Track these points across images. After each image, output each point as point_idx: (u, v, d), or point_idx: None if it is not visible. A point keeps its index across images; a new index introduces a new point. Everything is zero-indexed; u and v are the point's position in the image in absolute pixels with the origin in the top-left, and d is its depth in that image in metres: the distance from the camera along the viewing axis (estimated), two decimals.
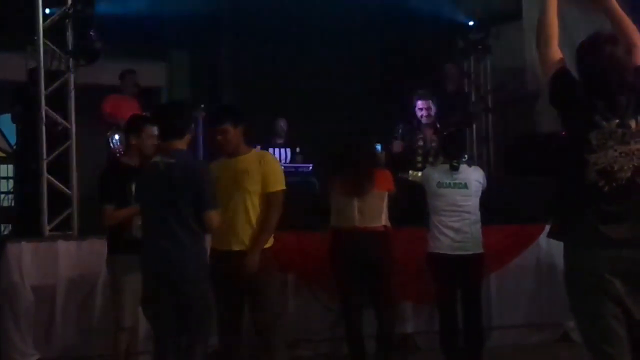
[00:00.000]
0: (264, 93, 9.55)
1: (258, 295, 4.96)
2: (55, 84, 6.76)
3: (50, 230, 6.60)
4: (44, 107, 6.67)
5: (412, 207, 6.51)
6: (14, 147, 7.81)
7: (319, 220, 6.73)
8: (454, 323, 5.94)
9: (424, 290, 6.22)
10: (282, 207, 5.00)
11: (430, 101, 7.56)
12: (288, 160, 8.59)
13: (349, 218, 5.73)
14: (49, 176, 6.65)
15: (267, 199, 4.96)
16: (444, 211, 5.89)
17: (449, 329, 5.95)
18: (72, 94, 6.79)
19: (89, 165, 6.98)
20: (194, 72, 10.72)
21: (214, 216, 4.56)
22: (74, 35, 6.80)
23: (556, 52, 3.45)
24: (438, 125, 7.64)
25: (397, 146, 7.49)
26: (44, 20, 6.70)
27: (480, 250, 5.93)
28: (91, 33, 6.79)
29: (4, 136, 10.47)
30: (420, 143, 7.51)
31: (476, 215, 5.94)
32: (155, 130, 5.12)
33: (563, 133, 3.52)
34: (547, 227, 3.59)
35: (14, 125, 7.78)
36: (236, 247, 4.96)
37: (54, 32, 6.78)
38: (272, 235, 5.02)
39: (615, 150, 3.28)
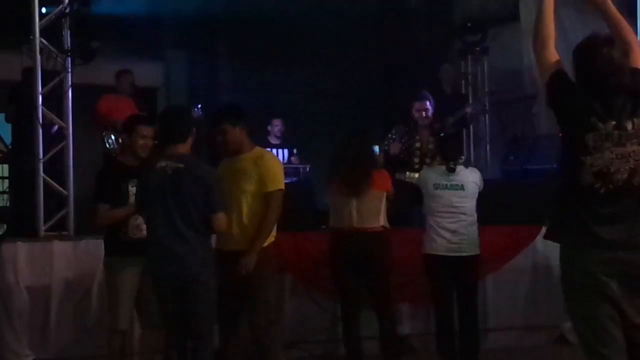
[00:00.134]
0: (260, 93, 9.55)
1: (253, 298, 4.96)
2: (52, 84, 6.75)
3: (45, 231, 6.59)
4: (40, 107, 6.65)
5: (409, 208, 6.51)
6: (9, 147, 7.78)
7: (315, 221, 6.74)
8: (450, 325, 5.94)
9: (420, 292, 6.21)
10: (280, 207, 4.99)
11: (427, 102, 7.56)
12: (284, 161, 8.59)
13: (347, 218, 5.73)
14: (45, 176, 6.63)
15: (265, 199, 4.95)
16: (440, 212, 5.89)
17: (445, 330, 5.94)
18: (69, 93, 6.78)
19: (85, 166, 6.97)
20: (190, 73, 10.71)
21: (222, 218, 4.69)
22: (71, 35, 6.79)
23: (553, 54, 3.44)
24: (435, 127, 7.63)
25: (394, 147, 7.49)
26: (40, 20, 6.69)
27: (477, 252, 5.93)
28: (88, 33, 6.77)
29: None
30: (417, 144, 7.51)
31: (473, 216, 5.94)
32: (148, 131, 5.17)
33: (560, 135, 3.52)
34: (544, 229, 3.59)
35: (9, 125, 7.76)
36: (232, 247, 4.99)
37: (51, 31, 6.76)
38: (271, 234, 5.01)
39: (612, 152, 3.28)
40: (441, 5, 10.34)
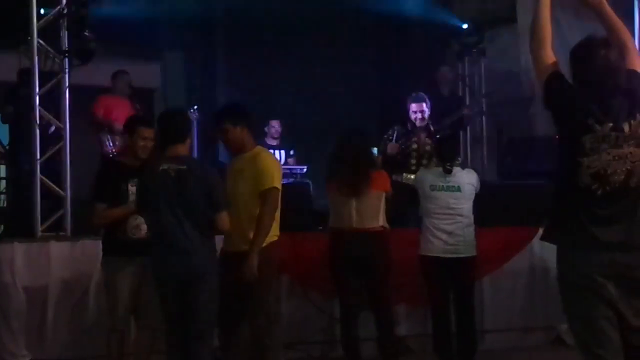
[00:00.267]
0: (257, 94, 9.55)
1: (254, 298, 4.95)
2: (49, 84, 6.75)
3: (42, 231, 6.58)
4: (37, 108, 6.65)
5: (405, 209, 6.51)
6: (6, 147, 7.78)
7: (312, 222, 6.75)
8: (447, 326, 5.94)
9: (417, 293, 6.21)
10: (275, 206, 4.96)
11: (424, 104, 7.57)
12: (282, 162, 8.58)
13: (346, 219, 5.74)
14: (42, 177, 6.63)
15: (260, 197, 4.94)
16: (437, 214, 5.89)
17: (442, 331, 5.94)
18: (67, 94, 6.77)
19: (82, 166, 6.96)
20: (188, 73, 10.70)
21: (224, 217, 4.76)
22: (68, 36, 6.79)
23: (550, 55, 3.45)
24: (432, 129, 7.64)
25: (391, 148, 7.50)
26: (38, 20, 6.68)
27: (473, 253, 5.93)
28: (85, 33, 6.78)
29: None
30: (414, 146, 7.51)
31: (469, 218, 5.95)
32: (149, 132, 5.19)
33: (557, 136, 3.52)
34: (541, 230, 3.59)
35: (6, 125, 7.75)
36: (234, 248, 5.03)
37: (48, 32, 6.76)
38: (270, 233, 4.97)
39: (609, 154, 3.29)
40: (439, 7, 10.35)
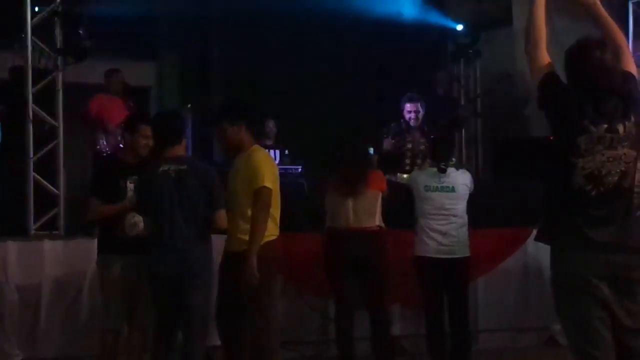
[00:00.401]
0: (253, 94, 9.54)
1: (250, 300, 4.93)
2: (43, 82, 6.73)
3: (36, 230, 6.57)
4: (31, 106, 6.63)
5: (400, 209, 6.50)
6: None
7: (307, 222, 6.73)
8: (440, 326, 5.94)
9: (411, 293, 6.22)
10: (266, 205, 4.90)
11: (419, 104, 7.57)
12: (277, 162, 8.56)
13: (343, 218, 5.75)
14: (36, 175, 6.61)
15: (253, 197, 4.92)
16: (431, 215, 5.89)
17: (436, 332, 5.95)
18: (60, 92, 6.75)
19: (76, 165, 6.95)
20: (183, 72, 10.69)
21: (222, 215, 4.82)
22: (63, 33, 6.77)
23: (544, 56, 3.45)
24: (426, 129, 7.64)
25: (387, 144, 7.49)
26: (32, 18, 6.67)
27: (467, 254, 5.93)
28: (80, 31, 6.76)
29: None
30: (409, 145, 7.51)
31: (463, 218, 5.95)
32: (150, 130, 5.19)
33: (551, 137, 3.52)
34: (535, 231, 3.59)
35: None
36: (232, 248, 5.04)
37: (42, 30, 6.74)
38: (269, 234, 4.94)
39: (603, 155, 3.29)
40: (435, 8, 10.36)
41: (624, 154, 3.30)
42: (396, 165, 7.39)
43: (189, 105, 8.17)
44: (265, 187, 4.89)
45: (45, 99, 6.80)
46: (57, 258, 6.20)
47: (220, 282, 5.15)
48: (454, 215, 5.90)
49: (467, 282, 6.08)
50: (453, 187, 5.92)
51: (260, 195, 4.89)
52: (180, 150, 4.89)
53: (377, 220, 5.81)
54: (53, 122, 6.77)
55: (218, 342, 6.12)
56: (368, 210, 5.76)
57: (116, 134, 7.72)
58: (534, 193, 6.42)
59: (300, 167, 8.60)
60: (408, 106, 7.58)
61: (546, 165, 3.55)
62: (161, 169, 4.80)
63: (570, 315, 3.39)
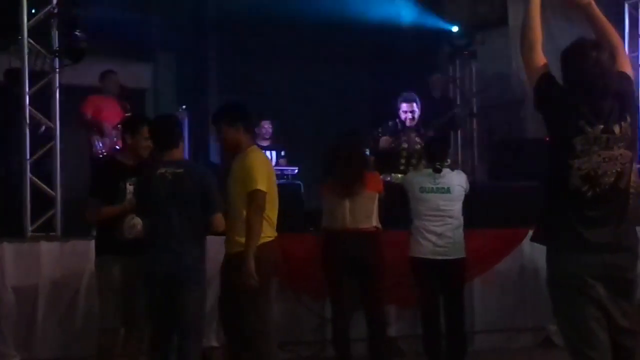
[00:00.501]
0: (249, 95, 9.54)
1: (245, 302, 4.93)
2: (40, 84, 6.73)
3: (32, 231, 6.56)
4: (27, 108, 6.63)
5: (392, 209, 6.52)
6: None
7: (303, 223, 6.74)
8: (436, 327, 5.95)
9: (407, 294, 6.22)
10: (259, 208, 4.87)
11: (415, 104, 7.57)
12: (273, 163, 8.57)
13: (340, 219, 5.76)
14: (32, 177, 6.61)
15: (247, 199, 4.92)
16: (426, 216, 5.89)
17: (432, 333, 5.95)
18: (57, 94, 6.75)
19: (73, 166, 6.94)
20: (179, 74, 10.69)
21: (219, 219, 4.87)
22: (59, 35, 6.77)
23: (540, 57, 3.45)
24: (422, 129, 7.65)
25: (384, 141, 7.48)
26: (28, 20, 6.66)
27: (463, 255, 5.93)
28: (76, 33, 6.75)
29: None
30: (404, 145, 7.51)
31: (459, 219, 5.95)
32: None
33: (547, 138, 3.53)
34: (531, 232, 3.60)
35: None
36: (228, 250, 5.05)
37: (39, 31, 6.73)
38: (265, 236, 4.93)
39: (599, 156, 3.30)
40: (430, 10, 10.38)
41: (620, 154, 3.31)
42: (391, 165, 7.38)
43: (184, 107, 8.16)
44: (258, 190, 4.87)
45: (41, 100, 6.79)
46: (54, 259, 6.20)
47: (221, 283, 5.20)
48: (450, 217, 5.90)
49: (463, 283, 6.09)
50: (448, 188, 5.93)
51: (253, 198, 4.86)
52: (178, 153, 4.95)
53: (374, 221, 5.82)
54: (49, 123, 6.76)
55: (215, 343, 6.17)
56: (365, 211, 5.78)
57: (112, 135, 7.74)
58: (530, 194, 6.47)
59: (296, 168, 8.62)
60: (404, 106, 7.58)
61: (542, 166, 3.56)
62: (158, 171, 4.84)
63: (566, 316, 3.40)
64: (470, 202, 6.08)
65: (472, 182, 6.25)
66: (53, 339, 6.14)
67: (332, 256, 5.78)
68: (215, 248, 5.28)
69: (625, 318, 3.35)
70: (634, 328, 3.39)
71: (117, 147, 7.47)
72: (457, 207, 5.95)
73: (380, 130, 7.61)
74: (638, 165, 4.36)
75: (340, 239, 5.74)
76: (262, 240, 4.92)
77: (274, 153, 8.79)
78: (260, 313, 4.93)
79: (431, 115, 8.09)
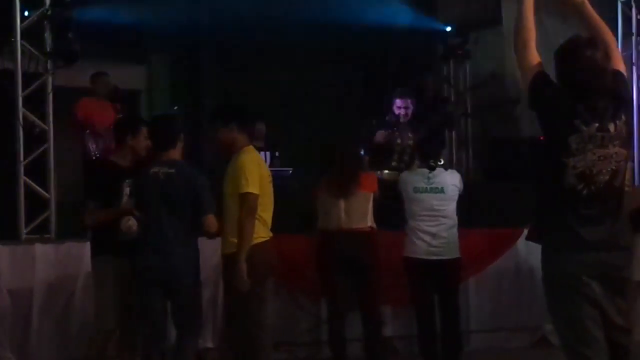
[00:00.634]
0: (243, 97, 9.53)
1: (241, 303, 4.93)
2: (33, 86, 6.71)
3: (27, 234, 6.55)
4: (21, 109, 6.61)
5: (385, 209, 6.52)
6: None
7: (298, 224, 6.73)
8: (431, 327, 5.94)
9: (403, 294, 6.22)
10: (250, 210, 4.83)
11: (409, 100, 7.55)
12: (267, 164, 8.55)
13: (335, 219, 5.76)
14: (27, 179, 6.60)
15: (239, 201, 4.90)
16: (420, 216, 5.88)
17: (427, 333, 5.95)
18: (51, 96, 6.74)
19: (67, 168, 6.93)
20: (173, 76, 10.67)
21: (211, 220, 4.88)
22: (52, 37, 6.75)
23: (534, 56, 3.45)
24: (416, 126, 7.61)
25: (380, 135, 7.46)
26: (21, 22, 6.65)
27: (457, 255, 5.92)
28: (69, 35, 6.74)
29: None
30: (398, 141, 7.49)
31: (453, 219, 5.94)
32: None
33: (542, 137, 3.53)
34: (526, 231, 3.61)
35: None
36: (222, 250, 5.04)
37: (32, 33, 6.72)
38: (257, 237, 4.90)
39: (594, 154, 3.30)
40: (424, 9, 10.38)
41: (615, 153, 3.31)
42: (383, 161, 7.36)
43: (176, 108, 8.14)
44: (248, 192, 4.84)
45: (35, 102, 6.78)
46: (48, 261, 6.19)
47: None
48: (444, 217, 5.89)
49: (458, 283, 6.08)
50: (442, 188, 5.91)
51: (244, 201, 4.83)
52: (175, 154, 4.99)
53: (369, 221, 5.82)
54: (43, 125, 6.75)
55: (210, 344, 6.16)
56: (360, 211, 5.78)
57: (105, 136, 7.71)
58: (525, 193, 6.46)
59: (290, 170, 8.60)
60: (398, 102, 7.56)
61: (537, 165, 3.56)
62: (152, 170, 4.91)
63: (561, 315, 3.39)
64: (464, 201, 6.08)
65: (466, 182, 6.24)
66: (49, 340, 6.13)
67: (327, 256, 5.78)
68: (208, 249, 5.27)
69: (620, 316, 3.35)
70: (629, 326, 3.39)
71: (112, 148, 7.45)
72: (451, 207, 5.94)
73: (374, 122, 7.57)
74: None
75: (335, 239, 5.75)
76: (255, 241, 4.90)
77: (268, 154, 8.78)
78: (253, 314, 4.90)
79: (425, 116, 8.08)
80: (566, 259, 3.33)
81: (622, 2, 8.49)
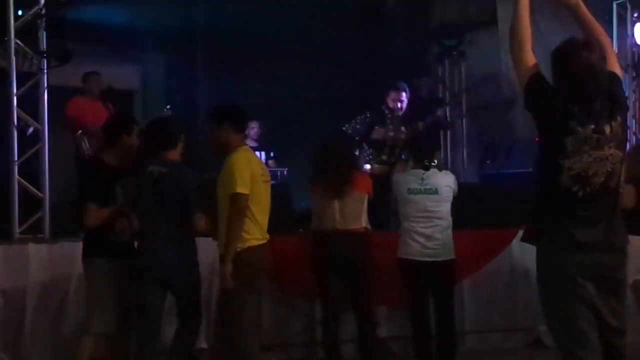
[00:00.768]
0: (238, 97, 9.51)
1: (225, 304, 4.91)
2: (27, 85, 6.69)
3: (20, 233, 6.53)
4: (15, 109, 6.59)
5: (385, 210, 6.52)
6: None
7: (292, 225, 6.73)
8: (426, 329, 5.93)
9: (398, 295, 6.20)
10: (239, 211, 4.78)
11: (404, 93, 7.53)
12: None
13: (329, 220, 5.75)
14: (20, 178, 6.58)
15: (229, 201, 4.87)
16: (415, 217, 5.85)
17: (422, 334, 5.93)
18: (45, 95, 6.72)
19: (61, 168, 6.91)
20: (168, 76, 10.66)
21: (200, 218, 4.99)
22: (46, 36, 6.74)
23: (530, 57, 3.45)
24: (408, 122, 7.58)
25: (378, 133, 7.44)
26: (15, 21, 6.63)
27: (452, 257, 5.90)
28: (63, 34, 6.73)
29: None
30: (390, 134, 7.47)
31: (448, 220, 5.91)
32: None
33: (537, 138, 3.53)
34: (521, 232, 3.60)
35: None
36: (218, 251, 5.01)
37: (26, 32, 6.70)
38: (247, 238, 4.87)
39: (590, 156, 3.30)
40: (419, 9, 10.38)
41: (611, 154, 3.31)
42: (374, 154, 7.35)
43: (168, 107, 8.12)
44: (237, 193, 4.78)
45: (29, 101, 6.76)
46: (42, 262, 6.15)
47: None
48: (438, 218, 5.86)
49: (453, 285, 6.06)
50: (436, 189, 5.88)
51: (234, 202, 4.79)
52: (173, 154, 5.08)
53: (363, 222, 5.81)
54: (37, 125, 6.74)
55: (204, 345, 6.14)
56: (354, 212, 5.76)
57: (98, 136, 7.68)
58: (520, 194, 6.47)
59: (285, 169, 8.60)
60: (393, 94, 7.53)
61: (533, 166, 3.56)
62: (147, 169, 5.00)
63: (556, 316, 3.40)
64: (459, 202, 6.06)
65: (461, 183, 6.23)
66: (42, 341, 6.10)
67: (321, 257, 5.77)
68: (202, 249, 5.26)
69: (615, 317, 3.36)
70: (623, 327, 3.39)
71: (105, 148, 7.42)
72: (445, 208, 5.91)
73: (368, 114, 7.53)
74: None
75: (329, 239, 5.74)
76: (248, 243, 4.86)
77: (262, 154, 8.77)
78: (236, 315, 4.85)
79: (419, 115, 8.07)
80: (562, 261, 3.34)
81: (616, 3, 8.50)
